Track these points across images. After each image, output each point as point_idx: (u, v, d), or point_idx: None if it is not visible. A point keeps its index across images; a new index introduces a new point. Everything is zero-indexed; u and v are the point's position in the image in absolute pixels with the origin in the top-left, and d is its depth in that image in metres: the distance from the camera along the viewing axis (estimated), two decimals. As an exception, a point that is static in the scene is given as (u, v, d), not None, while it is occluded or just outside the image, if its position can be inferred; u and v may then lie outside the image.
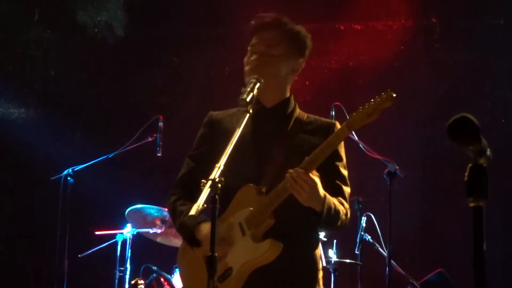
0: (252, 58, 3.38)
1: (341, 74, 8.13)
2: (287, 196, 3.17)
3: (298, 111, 3.51)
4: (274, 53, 3.38)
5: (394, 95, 3.05)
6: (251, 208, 3.28)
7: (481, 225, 1.89)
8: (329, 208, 3.18)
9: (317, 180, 3.13)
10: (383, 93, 3.08)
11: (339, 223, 3.30)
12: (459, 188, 1.97)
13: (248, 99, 3.11)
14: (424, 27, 8.12)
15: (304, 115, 3.49)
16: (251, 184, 3.32)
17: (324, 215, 3.16)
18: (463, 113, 1.88)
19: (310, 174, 3.10)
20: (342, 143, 3.40)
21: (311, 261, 3.38)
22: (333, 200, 3.24)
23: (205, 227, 3.26)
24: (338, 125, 3.42)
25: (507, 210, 7.51)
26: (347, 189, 3.40)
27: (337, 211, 3.24)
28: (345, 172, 3.42)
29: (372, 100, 3.09)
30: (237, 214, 3.33)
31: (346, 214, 3.32)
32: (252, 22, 3.48)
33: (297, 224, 3.32)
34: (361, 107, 3.11)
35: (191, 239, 3.37)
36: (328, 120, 3.56)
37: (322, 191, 3.16)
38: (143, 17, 8.76)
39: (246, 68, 3.39)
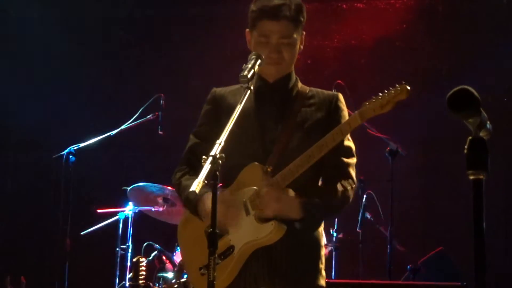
0: (274, 56, 3.34)
1: (343, 53, 8.10)
2: (294, 178, 3.18)
3: (299, 85, 3.50)
4: (290, 42, 3.36)
5: (409, 88, 3.02)
6: (256, 188, 3.27)
7: (481, 199, 1.88)
8: (308, 210, 3.23)
9: (291, 193, 3.21)
10: (397, 85, 3.05)
11: (331, 211, 3.43)
12: (460, 167, 1.96)
13: (249, 76, 3.11)
14: (427, 6, 8.09)
15: (306, 89, 3.48)
16: (257, 163, 3.30)
17: (306, 220, 3.24)
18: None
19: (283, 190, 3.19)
20: (346, 113, 3.40)
21: (314, 238, 3.37)
22: (312, 201, 3.26)
23: (208, 200, 3.25)
24: (341, 97, 3.43)
25: (508, 192, 7.52)
26: (351, 161, 3.39)
27: (320, 208, 3.28)
28: (348, 143, 3.39)
29: (386, 91, 3.06)
30: (242, 192, 3.32)
31: (343, 197, 3.31)
32: (258, 8, 3.40)
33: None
34: (374, 97, 3.09)
35: (196, 212, 3.37)
36: (330, 92, 3.54)
37: (295, 202, 3.22)
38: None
39: (268, 61, 3.32)
